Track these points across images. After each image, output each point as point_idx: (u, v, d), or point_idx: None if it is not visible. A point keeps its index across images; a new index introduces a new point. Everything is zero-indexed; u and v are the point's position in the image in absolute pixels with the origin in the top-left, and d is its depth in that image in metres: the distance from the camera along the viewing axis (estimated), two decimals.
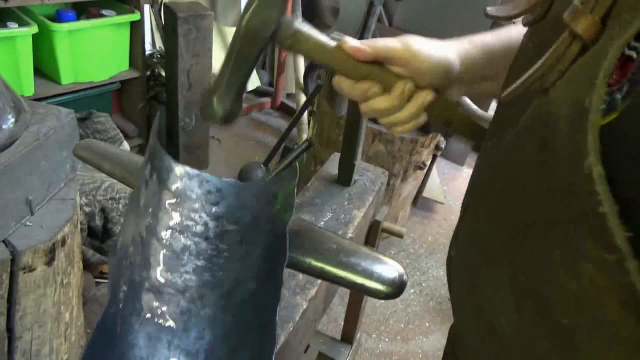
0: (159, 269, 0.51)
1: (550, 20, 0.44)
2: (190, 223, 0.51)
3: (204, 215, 0.51)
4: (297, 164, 0.67)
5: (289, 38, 0.60)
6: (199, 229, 0.51)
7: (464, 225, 0.56)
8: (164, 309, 0.51)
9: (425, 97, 0.60)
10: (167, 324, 0.51)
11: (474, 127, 0.64)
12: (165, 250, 0.51)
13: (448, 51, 0.61)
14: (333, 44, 0.60)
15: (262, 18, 0.58)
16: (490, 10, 0.53)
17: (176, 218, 0.51)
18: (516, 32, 0.64)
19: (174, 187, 0.50)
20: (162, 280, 0.51)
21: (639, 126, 0.33)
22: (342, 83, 0.62)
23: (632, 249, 0.28)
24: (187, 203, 0.51)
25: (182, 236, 0.51)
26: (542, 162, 0.37)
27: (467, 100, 0.65)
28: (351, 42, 0.60)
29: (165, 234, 0.51)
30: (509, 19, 0.50)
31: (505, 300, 0.41)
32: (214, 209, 0.51)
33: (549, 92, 0.39)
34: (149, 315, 0.51)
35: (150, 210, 0.51)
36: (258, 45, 0.61)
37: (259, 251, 0.57)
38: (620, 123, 0.34)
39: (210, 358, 0.53)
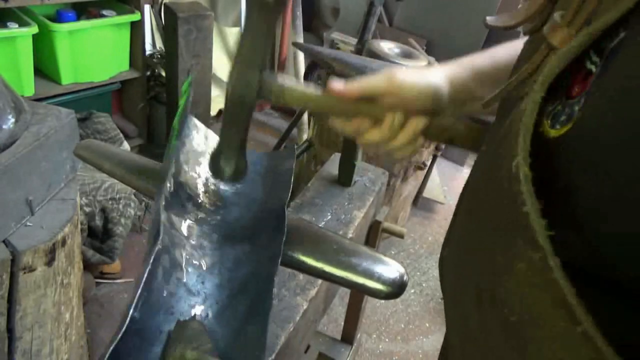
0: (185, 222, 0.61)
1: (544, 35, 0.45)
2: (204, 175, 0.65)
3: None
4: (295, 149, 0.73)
5: (274, 94, 0.63)
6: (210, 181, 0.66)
7: (455, 226, 0.57)
8: (178, 251, 0.57)
9: (417, 124, 0.62)
10: (177, 262, 0.57)
11: (476, 137, 0.66)
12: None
13: (434, 76, 0.63)
14: (318, 91, 0.64)
15: (244, 82, 0.61)
16: (489, 19, 0.54)
17: (199, 169, 0.64)
18: (502, 51, 0.67)
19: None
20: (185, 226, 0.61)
21: (589, 136, 0.34)
22: (335, 123, 0.66)
23: (560, 245, 0.29)
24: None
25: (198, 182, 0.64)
26: (500, 166, 0.39)
27: (462, 119, 0.67)
28: (335, 85, 0.62)
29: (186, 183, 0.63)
30: (507, 29, 0.52)
31: (471, 300, 0.42)
32: None
33: (523, 100, 0.40)
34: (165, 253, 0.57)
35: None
36: (247, 107, 0.63)
37: (260, 205, 0.66)
38: (574, 133, 0.35)
39: (208, 298, 0.57)
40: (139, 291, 0.47)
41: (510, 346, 0.35)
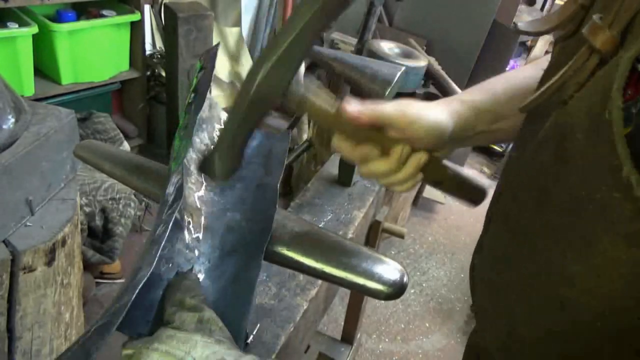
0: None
1: (579, 37, 0.45)
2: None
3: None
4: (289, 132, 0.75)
5: (296, 102, 0.60)
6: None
7: (488, 235, 0.57)
8: (181, 210, 0.61)
9: (420, 159, 0.62)
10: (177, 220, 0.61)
11: (461, 186, 0.67)
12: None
13: (441, 114, 0.64)
14: (334, 109, 0.61)
15: (273, 82, 0.56)
16: (521, 25, 0.53)
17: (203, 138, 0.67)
18: (499, 86, 0.68)
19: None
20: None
21: None
22: (342, 146, 0.64)
23: None
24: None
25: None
26: (558, 171, 0.39)
27: (453, 165, 0.68)
28: (350, 109, 0.60)
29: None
30: (539, 34, 0.52)
31: (522, 305, 0.42)
32: None
33: (567, 104, 0.40)
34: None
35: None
36: (266, 109, 0.60)
37: (255, 181, 0.69)
38: (636, 135, 0.36)
39: (201, 256, 0.62)
40: (160, 246, 0.51)
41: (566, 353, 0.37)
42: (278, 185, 0.67)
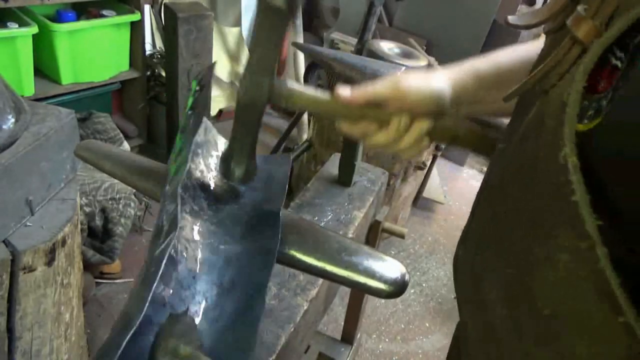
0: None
1: (567, 29, 0.45)
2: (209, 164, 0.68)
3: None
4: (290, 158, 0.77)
5: (283, 98, 0.65)
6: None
7: (472, 225, 0.57)
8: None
9: (422, 126, 0.65)
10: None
11: (478, 138, 0.68)
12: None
13: (437, 80, 0.65)
14: (325, 96, 0.66)
15: (256, 87, 0.63)
16: (511, 18, 0.55)
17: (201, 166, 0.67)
18: (503, 55, 0.69)
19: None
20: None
21: (617, 130, 0.35)
22: (342, 126, 0.68)
23: (601, 237, 0.29)
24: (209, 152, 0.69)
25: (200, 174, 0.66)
26: (535, 158, 0.39)
27: (464, 121, 0.69)
28: (342, 93, 0.64)
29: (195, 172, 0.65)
30: (529, 27, 0.52)
31: (499, 295, 0.42)
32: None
33: (548, 93, 0.41)
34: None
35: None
36: (258, 110, 0.65)
37: (254, 209, 0.67)
38: (603, 127, 0.36)
39: (197, 294, 0.57)
40: (152, 289, 0.47)
41: (540, 341, 0.36)
42: (280, 212, 0.65)
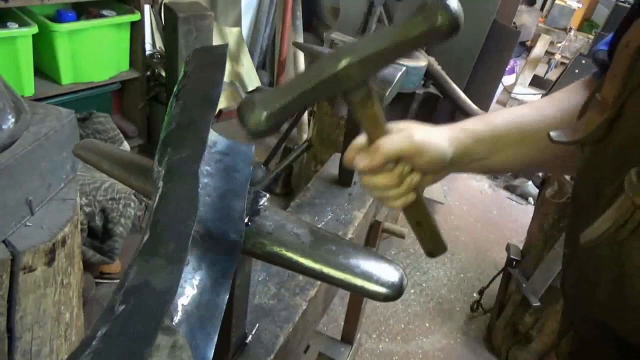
0: None
1: (610, 153, 0.56)
2: None
3: None
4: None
5: (362, 98, 0.60)
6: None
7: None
8: None
9: (414, 178, 0.66)
10: None
11: (433, 236, 0.73)
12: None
13: (442, 141, 0.67)
14: (384, 129, 0.63)
15: (360, 71, 0.57)
16: (554, 135, 0.62)
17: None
18: (500, 119, 0.73)
19: None
20: None
21: None
22: (350, 157, 0.67)
23: None
24: None
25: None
26: (618, 296, 0.53)
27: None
28: (361, 162, 0.64)
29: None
30: (573, 144, 0.61)
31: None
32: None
33: (622, 244, 0.51)
34: None
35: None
36: (337, 90, 0.59)
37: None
38: None
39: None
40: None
41: None
42: (244, 213, 0.62)
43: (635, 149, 0.51)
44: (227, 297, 0.56)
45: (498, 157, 0.72)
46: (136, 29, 2.42)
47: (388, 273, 0.64)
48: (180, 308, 0.53)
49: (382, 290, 0.62)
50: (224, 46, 0.72)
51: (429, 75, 2.50)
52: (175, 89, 0.69)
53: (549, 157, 0.72)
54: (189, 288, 0.55)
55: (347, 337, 1.62)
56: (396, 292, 0.63)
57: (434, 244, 0.74)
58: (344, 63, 0.56)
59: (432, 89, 2.57)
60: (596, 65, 0.71)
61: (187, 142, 0.60)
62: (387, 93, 1.07)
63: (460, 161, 0.70)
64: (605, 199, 0.53)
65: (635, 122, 0.53)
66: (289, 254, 0.65)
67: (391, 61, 0.59)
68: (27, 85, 2.13)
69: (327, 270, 0.64)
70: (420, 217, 0.71)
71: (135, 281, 0.45)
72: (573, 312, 0.68)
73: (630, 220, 0.49)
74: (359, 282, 0.63)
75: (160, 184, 0.56)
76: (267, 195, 0.71)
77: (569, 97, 0.74)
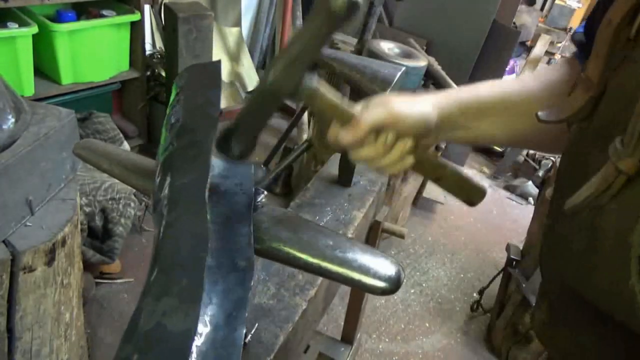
0: None
1: (595, 130, 0.58)
2: None
3: None
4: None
5: (307, 95, 0.65)
6: None
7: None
8: None
9: (405, 144, 0.69)
10: None
11: (460, 185, 0.73)
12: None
13: (425, 105, 0.71)
14: (344, 103, 0.67)
15: (287, 76, 0.63)
16: (541, 115, 0.64)
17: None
18: (484, 88, 0.76)
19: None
20: None
21: None
22: (332, 138, 0.70)
23: None
24: None
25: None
26: (589, 257, 0.55)
27: (452, 164, 0.74)
28: (344, 137, 0.67)
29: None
30: (559, 122, 0.63)
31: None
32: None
33: (602, 208, 0.53)
34: None
35: None
36: (280, 99, 0.66)
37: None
38: None
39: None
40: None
41: None
42: (251, 238, 0.61)
43: (618, 124, 0.52)
44: (244, 330, 0.51)
45: (483, 126, 0.75)
46: (136, 29, 2.42)
47: (385, 267, 0.64)
48: (194, 349, 0.46)
49: (379, 283, 0.63)
50: (217, 62, 0.73)
51: (429, 75, 2.50)
52: (168, 110, 0.70)
53: (534, 131, 0.73)
54: (201, 325, 0.49)
55: (347, 337, 1.62)
56: (393, 285, 0.63)
57: (467, 193, 0.73)
58: (270, 77, 0.63)
59: (432, 89, 2.58)
60: (575, 46, 0.74)
61: (190, 166, 0.59)
62: (387, 93, 1.07)
63: (447, 125, 0.73)
64: (591, 173, 0.54)
65: (617, 98, 0.55)
66: (287, 249, 0.65)
67: (313, 55, 0.63)
68: (27, 85, 2.13)
69: (324, 264, 0.64)
70: (437, 172, 0.72)
71: (148, 325, 0.41)
72: (547, 279, 0.70)
73: (613, 185, 0.51)
74: (356, 276, 0.63)
75: (165, 211, 0.53)
76: (265, 192, 0.71)
77: (551, 73, 0.77)
